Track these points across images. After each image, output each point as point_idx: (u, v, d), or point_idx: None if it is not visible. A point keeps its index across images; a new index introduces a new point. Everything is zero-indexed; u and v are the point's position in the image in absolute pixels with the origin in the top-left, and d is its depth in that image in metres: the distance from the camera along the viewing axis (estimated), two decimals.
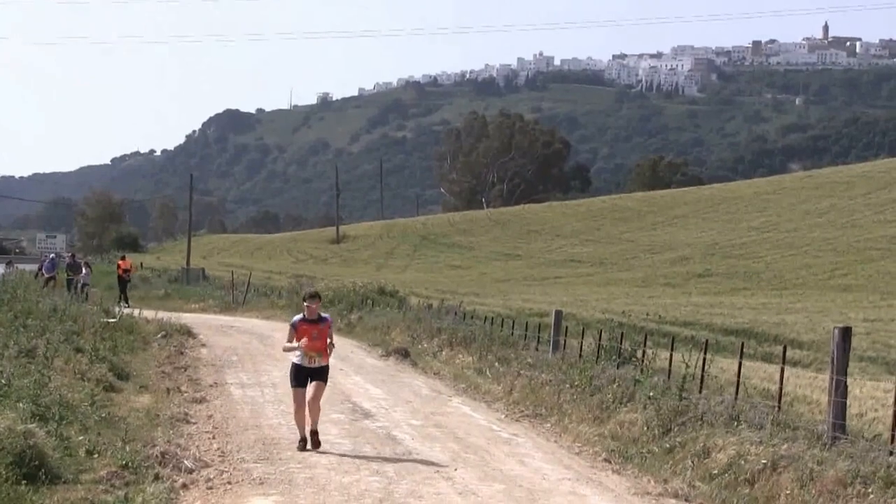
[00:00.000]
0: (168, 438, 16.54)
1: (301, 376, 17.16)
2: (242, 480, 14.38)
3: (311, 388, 17.02)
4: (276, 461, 15.85)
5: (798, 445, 15.03)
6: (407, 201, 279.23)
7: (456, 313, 44.18)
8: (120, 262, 58.94)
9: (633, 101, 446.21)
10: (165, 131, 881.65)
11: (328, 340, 17.20)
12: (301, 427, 17.05)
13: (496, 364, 28.04)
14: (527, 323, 40.52)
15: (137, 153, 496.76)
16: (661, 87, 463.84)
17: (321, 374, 17.23)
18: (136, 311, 38.37)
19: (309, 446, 16.85)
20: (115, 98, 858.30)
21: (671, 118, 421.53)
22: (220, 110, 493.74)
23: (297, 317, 17.33)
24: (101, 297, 47.32)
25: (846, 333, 15.76)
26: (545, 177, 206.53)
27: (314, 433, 17.03)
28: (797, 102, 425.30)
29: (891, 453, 14.00)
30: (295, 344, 17.06)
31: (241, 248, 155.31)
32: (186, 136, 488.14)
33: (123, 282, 56.01)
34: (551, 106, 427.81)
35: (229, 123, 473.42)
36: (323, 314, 17.43)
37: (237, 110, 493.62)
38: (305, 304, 17.28)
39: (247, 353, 32.52)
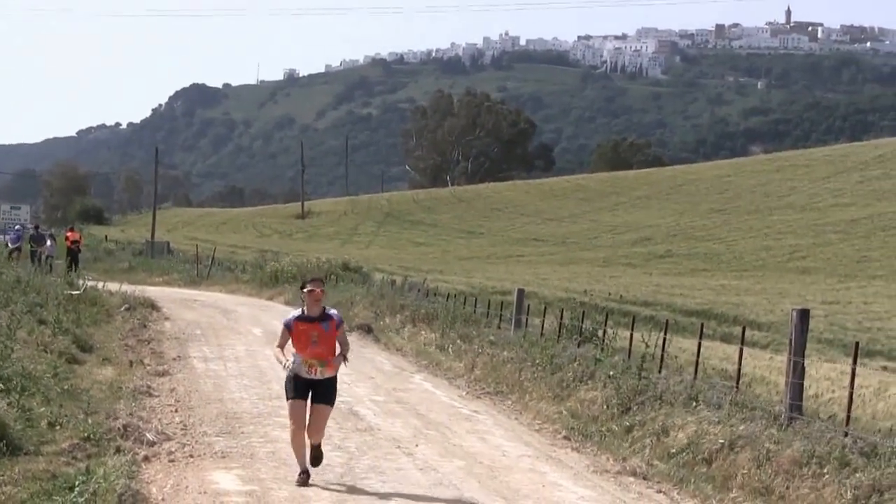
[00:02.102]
0: (130, 411, 16.56)
1: (300, 387, 13.22)
2: (204, 454, 14.44)
3: (311, 412, 13.18)
4: (238, 435, 15.91)
5: (755, 425, 15.17)
6: (372, 178, 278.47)
7: (419, 290, 44.33)
8: (68, 233, 58.64)
9: (598, 81, 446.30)
10: (132, 104, 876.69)
11: (337, 346, 13.44)
12: (300, 454, 13.23)
13: (458, 341, 28.15)
14: (489, 301, 40.68)
15: (103, 126, 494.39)
16: (626, 69, 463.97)
17: (326, 392, 13.30)
18: (85, 280, 37.97)
19: (308, 466, 13.29)
20: (82, 70, 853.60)
21: (635, 99, 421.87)
22: (187, 84, 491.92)
23: (293, 314, 13.48)
24: (65, 269, 47.19)
25: (804, 315, 15.94)
26: (510, 156, 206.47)
27: (316, 447, 13.41)
28: (759, 86, 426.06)
29: (846, 434, 14.17)
30: (284, 359, 13.27)
31: (207, 222, 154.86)
32: (153, 110, 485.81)
33: (73, 252, 55.76)
34: (516, 85, 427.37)
35: (196, 97, 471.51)
36: (329, 310, 13.46)
37: (204, 84, 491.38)
38: (305, 290, 13.43)
39: (210, 327, 32.54)
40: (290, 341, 13.44)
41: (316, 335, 13.18)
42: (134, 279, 52.21)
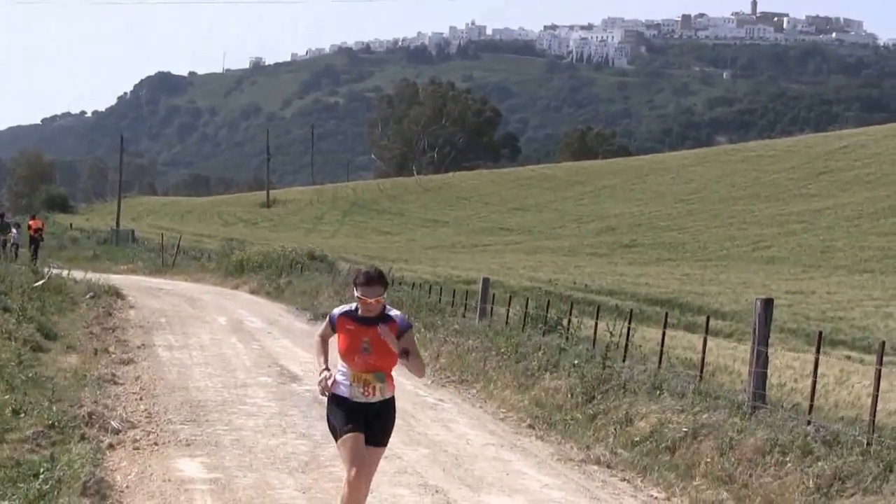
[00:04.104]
0: (95, 399, 16.47)
1: (355, 414, 9.48)
2: (169, 442, 14.40)
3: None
4: (203, 423, 15.87)
5: (719, 414, 15.24)
6: (338, 167, 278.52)
7: None
8: (31, 221, 58.68)
9: (564, 71, 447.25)
10: (97, 92, 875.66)
11: (395, 355, 9.55)
12: None
13: (423, 330, 28.12)
14: (454, 290, 40.73)
15: (68, 114, 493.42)
16: (592, 59, 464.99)
17: (384, 426, 9.68)
18: (50, 268, 37.81)
19: None
20: (47, 58, 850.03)
21: (601, 89, 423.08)
22: (152, 72, 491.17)
23: (344, 307, 9.79)
24: (29, 258, 47.07)
25: (768, 305, 16.02)
26: (476, 145, 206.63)
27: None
28: (725, 76, 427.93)
29: (808, 423, 14.25)
30: (322, 365, 9.66)
31: (172, 210, 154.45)
32: (118, 98, 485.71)
33: (35, 241, 55.83)
34: (483, 75, 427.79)
35: (161, 85, 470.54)
36: (391, 311, 9.73)
37: (169, 73, 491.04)
38: (357, 293, 9.49)
39: (175, 316, 32.47)
40: (333, 340, 9.81)
41: (367, 341, 9.44)
42: (99, 267, 52.03)
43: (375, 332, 9.39)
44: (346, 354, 9.45)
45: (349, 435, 9.31)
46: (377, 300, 9.38)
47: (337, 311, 9.71)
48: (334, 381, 9.48)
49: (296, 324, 32.92)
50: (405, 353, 9.49)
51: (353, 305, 9.59)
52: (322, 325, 9.91)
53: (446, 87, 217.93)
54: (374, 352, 9.40)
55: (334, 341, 9.75)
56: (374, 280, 9.43)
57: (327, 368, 9.57)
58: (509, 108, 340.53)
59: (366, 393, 9.44)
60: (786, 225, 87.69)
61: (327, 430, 9.53)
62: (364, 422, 9.41)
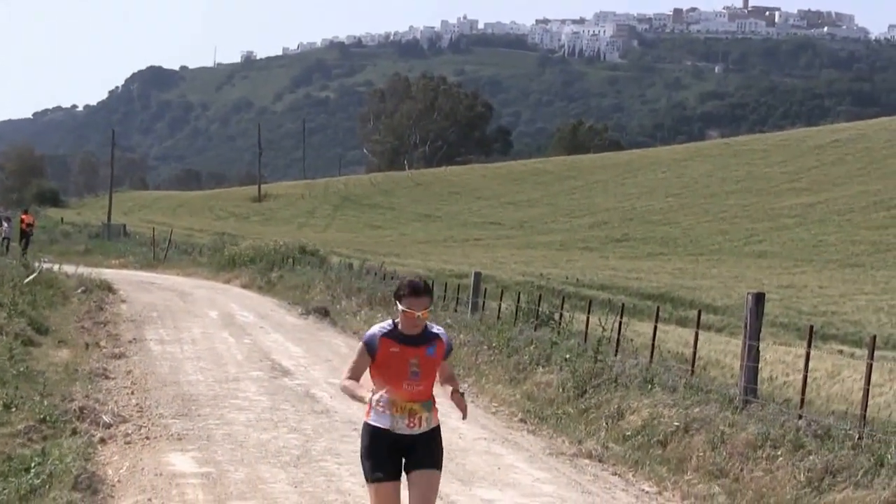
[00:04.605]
0: (86, 393, 16.47)
1: (390, 457, 8.28)
2: (160, 436, 14.38)
3: (414, 482, 8.22)
4: (195, 417, 15.85)
5: (710, 408, 15.24)
6: (329, 161, 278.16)
7: (376, 273, 44.36)
8: (23, 216, 58.85)
9: (556, 66, 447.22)
10: (88, 87, 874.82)
11: (440, 378, 8.53)
12: None
13: None
14: (446, 284, 40.77)
15: (59, 108, 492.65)
16: (583, 53, 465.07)
17: (429, 447, 8.35)
18: (41, 263, 37.80)
19: None
20: (38, 52, 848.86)
21: (593, 83, 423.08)
22: (144, 66, 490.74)
23: (382, 326, 8.34)
24: (20, 252, 47.04)
25: (759, 299, 16.04)
26: (467, 139, 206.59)
27: None
28: (716, 70, 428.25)
29: (800, 417, 14.26)
30: (366, 394, 8.15)
31: (163, 204, 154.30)
32: (109, 92, 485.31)
33: (26, 235, 55.99)
34: (475, 69, 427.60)
35: (153, 80, 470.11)
36: (434, 328, 8.42)
37: (160, 67, 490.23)
38: (402, 306, 8.19)
39: (167, 310, 32.44)
40: (367, 372, 8.40)
41: (416, 364, 8.22)
42: (90, 262, 52.08)
43: (423, 351, 8.22)
44: (391, 381, 8.17)
45: (381, 485, 8.20)
46: (424, 313, 8.20)
47: (374, 332, 8.29)
48: (380, 402, 8.18)
49: (287, 318, 32.90)
50: (458, 393, 8.48)
51: (389, 323, 8.31)
52: (352, 361, 8.39)
53: (438, 82, 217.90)
54: (423, 376, 8.23)
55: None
56: (422, 291, 8.20)
57: (370, 393, 8.14)
58: (501, 103, 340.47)
59: (410, 424, 8.22)
60: (777, 219, 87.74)
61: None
62: (399, 459, 8.27)
